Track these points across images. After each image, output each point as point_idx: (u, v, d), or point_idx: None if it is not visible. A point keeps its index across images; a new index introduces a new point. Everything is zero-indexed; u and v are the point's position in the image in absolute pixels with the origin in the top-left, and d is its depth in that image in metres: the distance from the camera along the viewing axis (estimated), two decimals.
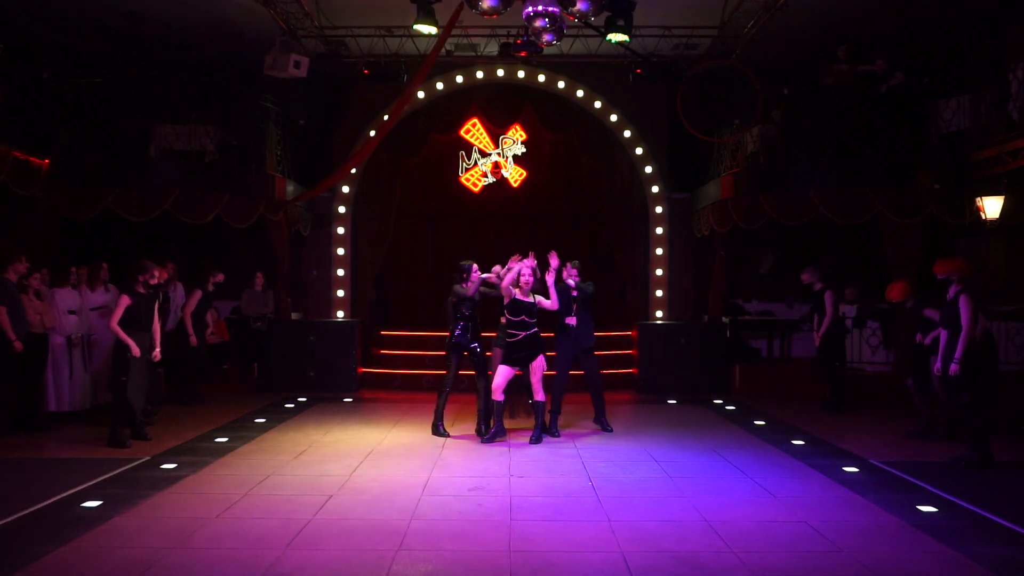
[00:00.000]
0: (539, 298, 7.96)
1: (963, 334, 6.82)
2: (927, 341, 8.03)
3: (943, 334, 7.15)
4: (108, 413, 7.86)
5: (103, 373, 9.10)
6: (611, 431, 8.39)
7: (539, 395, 8.01)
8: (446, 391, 8.33)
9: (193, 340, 10.00)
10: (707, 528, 5.21)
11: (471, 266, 8.30)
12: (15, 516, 5.34)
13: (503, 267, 8.35)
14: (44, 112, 10.23)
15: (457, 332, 8.16)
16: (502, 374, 7.87)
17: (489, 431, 8.01)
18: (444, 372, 8.52)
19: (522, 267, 7.88)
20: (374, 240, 13.55)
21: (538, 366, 7.92)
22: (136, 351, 7.54)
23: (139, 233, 11.71)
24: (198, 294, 10.18)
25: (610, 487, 6.24)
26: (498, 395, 7.87)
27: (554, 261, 8.08)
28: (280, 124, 12.17)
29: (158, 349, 8.02)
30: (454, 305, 8.21)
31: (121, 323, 7.53)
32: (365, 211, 13.53)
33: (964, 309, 6.86)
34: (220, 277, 10.57)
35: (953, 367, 6.86)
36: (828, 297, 9.88)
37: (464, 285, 8.19)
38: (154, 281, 7.97)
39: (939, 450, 7.65)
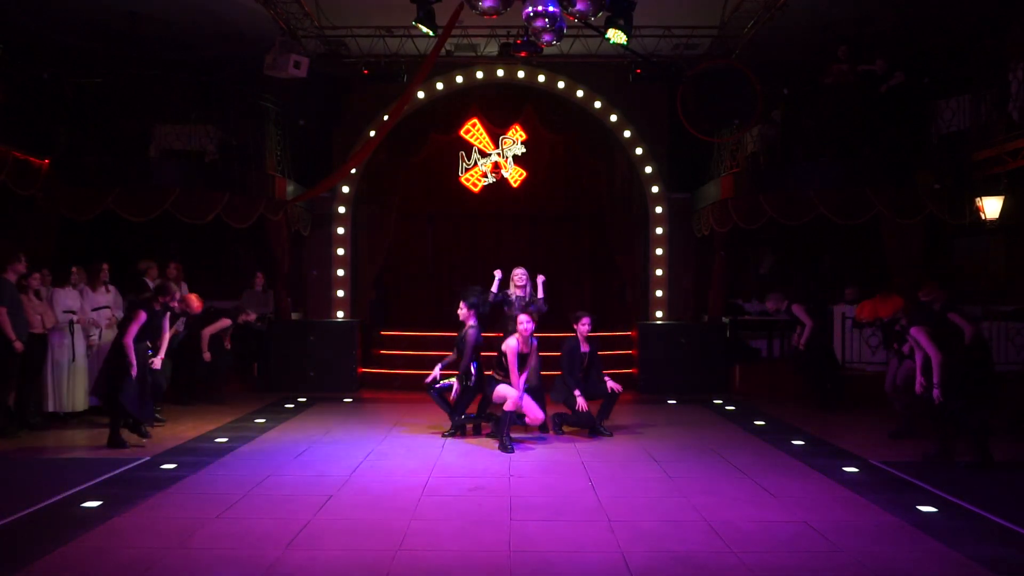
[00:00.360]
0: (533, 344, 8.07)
1: (934, 363, 6.83)
2: (905, 349, 8.04)
3: (918, 354, 7.16)
4: (107, 414, 7.85)
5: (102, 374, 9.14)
6: (609, 435, 8.35)
7: (536, 422, 8.02)
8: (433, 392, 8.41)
9: (207, 356, 9.97)
10: (707, 528, 5.21)
11: (460, 304, 8.30)
12: (15, 516, 5.33)
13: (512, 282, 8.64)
14: (44, 112, 10.23)
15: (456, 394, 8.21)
16: (505, 389, 7.84)
17: (500, 437, 7.80)
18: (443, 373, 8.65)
19: (521, 320, 7.89)
20: (374, 240, 13.55)
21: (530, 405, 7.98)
22: (135, 372, 7.45)
23: (139, 233, 11.71)
24: (226, 323, 10.19)
25: (610, 487, 6.24)
26: (510, 406, 7.75)
27: (527, 325, 7.90)
28: (280, 124, 12.18)
29: (160, 357, 7.95)
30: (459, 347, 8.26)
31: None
32: (365, 211, 13.53)
33: (923, 341, 6.89)
34: (252, 317, 10.59)
35: (935, 392, 6.86)
36: (797, 310, 9.94)
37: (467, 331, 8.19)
38: (174, 305, 7.86)
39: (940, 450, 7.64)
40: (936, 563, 4.61)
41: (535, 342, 8.06)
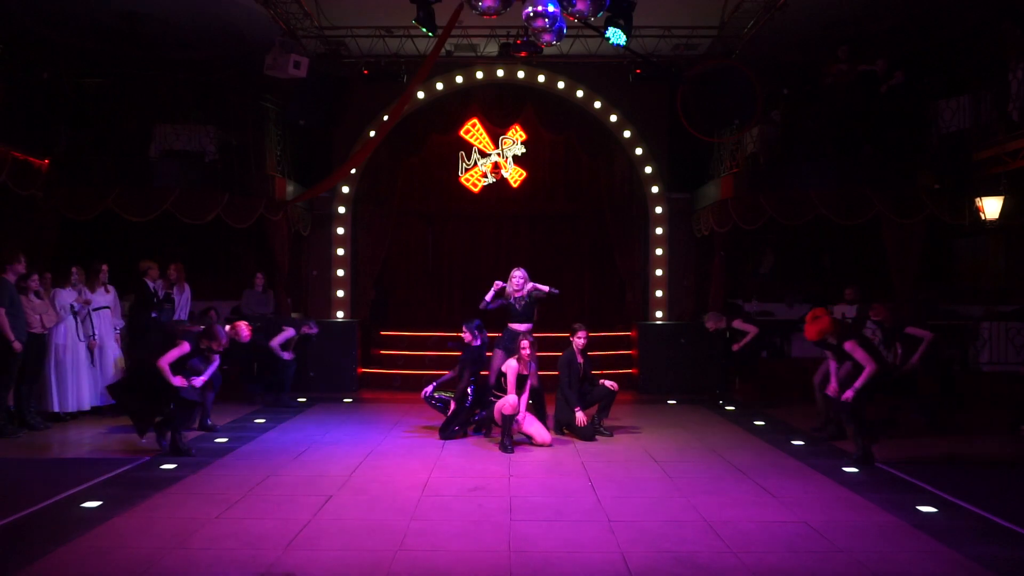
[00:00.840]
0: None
1: (867, 371, 6.88)
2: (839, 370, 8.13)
3: (833, 365, 7.39)
4: (121, 415, 7.77)
5: (106, 374, 9.18)
6: (609, 435, 8.36)
7: (544, 442, 7.91)
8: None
9: (288, 356, 10.08)
10: (707, 528, 5.21)
11: (463, 330, 8.49)
12: (15, 516, 5.34)
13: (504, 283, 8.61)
14: (44, 112, 10.22)
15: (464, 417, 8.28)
16: (503, 401, 7.85)
17: (501, 438, 7.81)
18: (444, 372, 8.74)
19: (523, 345, 7.92)
20: (374, 240, 13.55)
21: (528, 420, 7.98)
22: (179, 381, 7.23)
23: (139, 233, 11.71)
24: (291, 332, 10.24)
25: (610, 487, 6.24)
26: (508, 410, 7.73)
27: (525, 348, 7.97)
28: (280, 124, 12.17)
29: (199, 381, 7.60)
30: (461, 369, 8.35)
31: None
32: (365, 211, 13.53)
33: (856, 354, 6.94)
34: (315, 330, 10.59)
35: (849, 393, 6.91)
36: (739, 324, 10.31)
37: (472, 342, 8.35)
38: (217, 348, 7.65)
39: (939, 449, 7.65)
40: (936, 563, 4.61)
41: (534, 365, 8.07)
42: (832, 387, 7.23)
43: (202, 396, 7.92)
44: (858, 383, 6.89)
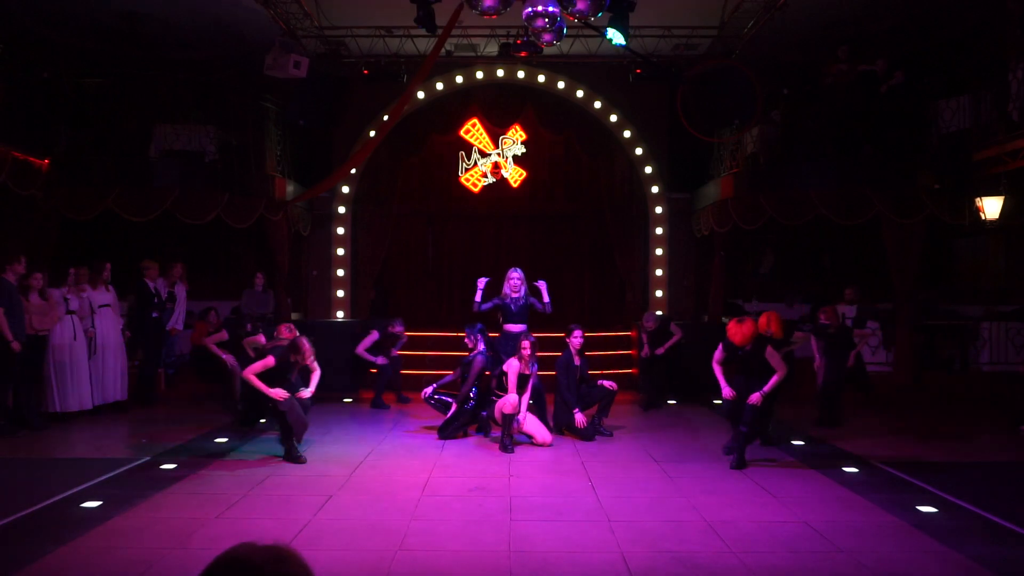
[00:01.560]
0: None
1: (778, 375, 6.94)
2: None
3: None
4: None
5: (108, 373, 9.19)
6: (609, 435, 8.35)
7: (545, 442, 7.88)
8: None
9: (380, 360, 10.25)
10: (707, 528, 5.21)
11: (464, 335, 8.52)
12: (15, 516, 5.33)
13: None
14: (44, 112, 10.24)
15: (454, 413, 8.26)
16: (504, 400, 7.84)
17: (501, 437, 7.81)
18: (444, 372, 8.69)
19: (524, 345, 7.91)
20: (374, 240, 13.56)
21: (528, 419, 7.97)
22: (281, 395, 7.05)
23: (139, 233, 11.72)
24: (375, 335, 10.34)
25: (610, 487, 6.24)
26: (508, 409, 7.73)
27: (526, 347, 7.93)
28: (280, 124, 12.18)
29: (308, 393, 7.43)
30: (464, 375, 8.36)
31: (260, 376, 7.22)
32: (365, 211, 13.54)
33: (773, 360, 6.99)
34: (398, 329, 10.52)
35: (756, 396, 6.88)
36: (673, 327, 10.38)
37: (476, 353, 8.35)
38: (303, 361, 7.46)
39: (940, 450, 7.65)
40: (936, 563, 4.61)
41: (536, 366, 8.06)
42: (726, 392, 7.12)
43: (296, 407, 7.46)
44: (767, 387, 6.90)
